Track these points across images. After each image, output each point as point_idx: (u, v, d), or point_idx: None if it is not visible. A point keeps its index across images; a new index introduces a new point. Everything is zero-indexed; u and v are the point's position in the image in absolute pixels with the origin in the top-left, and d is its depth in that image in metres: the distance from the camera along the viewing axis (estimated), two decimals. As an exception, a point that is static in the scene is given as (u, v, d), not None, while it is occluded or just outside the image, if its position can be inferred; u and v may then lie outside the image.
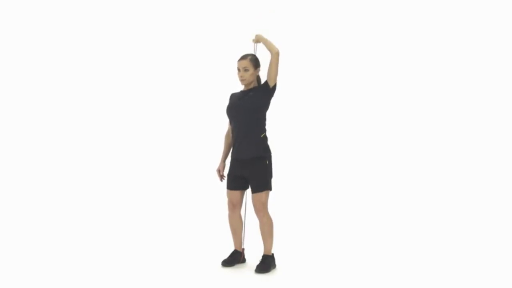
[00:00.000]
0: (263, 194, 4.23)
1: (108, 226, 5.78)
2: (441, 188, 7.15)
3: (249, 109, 4.24)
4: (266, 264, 4.27)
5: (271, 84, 4.25)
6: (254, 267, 4.28)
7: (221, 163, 4.50)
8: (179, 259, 4.58)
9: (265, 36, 4.33)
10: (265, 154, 4.25)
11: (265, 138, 4.28)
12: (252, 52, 4.42)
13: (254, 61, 4.30)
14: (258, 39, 4.36)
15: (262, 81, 4.39)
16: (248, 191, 4.39)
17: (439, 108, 7.61)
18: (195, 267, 4.36)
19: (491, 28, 7.51)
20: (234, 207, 4.38)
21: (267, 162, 4.26)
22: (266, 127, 4.31)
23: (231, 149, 4.41)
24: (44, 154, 7.58)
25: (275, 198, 5.15)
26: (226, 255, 4.56)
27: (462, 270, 4.33)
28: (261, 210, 4.24)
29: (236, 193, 4.35)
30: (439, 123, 7.59)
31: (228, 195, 4.38)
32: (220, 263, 4.41)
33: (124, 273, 4.18)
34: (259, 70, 4.35)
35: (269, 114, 4.33)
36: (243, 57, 4.31)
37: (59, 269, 4.26)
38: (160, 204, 6.77)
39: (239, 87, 4.49)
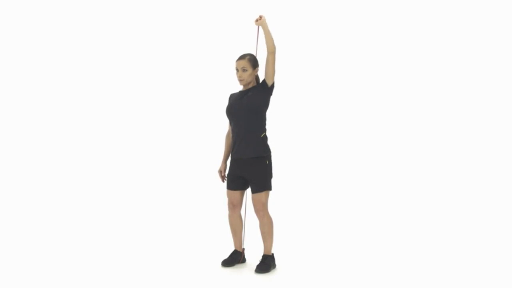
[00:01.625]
0: (263, 194, 4.23)
1: (108, 226, 5.78)
2: (440, 188, 7.15)
3: (248, 109, 4.22)
4: (266, 264, 4.27)
5: (269, 83, 4.22)
6: (254, 267, 4.28)
7: (222, 164, 4.49)
8: (179, 259, 4.58)
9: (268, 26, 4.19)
10: (265, 154, 4.25)
11: (265, 138, 4.27)
12: (255, 38, 4.36)
13: (253, 61, 4.26)
14: (262, 23, 4.16)
15: (261, 80, 4.37)
16: (248, 191, 4.40)
17: (437, 106, 7.61)
18: (195, 267, 4.37)
19: (491, 28, 7.51)
20: (234, 207, 4.38)
21: (267, 162, 4.26)
22: (266, 126, 4.31)
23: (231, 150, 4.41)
24: (45, 155, 7.58)
25: (275, 198, 5.16)
26: (226, 255, 4.57)
27: (462, 270, 4.33)
28: (261, 210, 4.24)
29: (236, 193, 4.35)
30: (438, 122, 7.59)
31: (228, 195, 4.38)
32: (220, 263, 4.41)
33: (124, 273, 4.19)
34: (258, 69, 4.32)
35: (269, 114, 4.33)
36: (241, 57, 4.28)
37: (60, 269, 4.27)
38: (160, 204, 6.77)
39: (238, 87, 4.50)
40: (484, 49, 7.54)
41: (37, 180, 7.31)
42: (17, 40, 7.67)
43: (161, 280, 4.03)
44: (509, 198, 6.83)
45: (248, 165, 4.25)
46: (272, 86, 4.25)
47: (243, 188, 4.36)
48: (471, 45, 7.57)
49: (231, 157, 4.37)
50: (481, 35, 7.54)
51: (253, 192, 4.25)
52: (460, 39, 7.58)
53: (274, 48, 4.16)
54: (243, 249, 4.52)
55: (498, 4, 7.47)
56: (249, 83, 4.29)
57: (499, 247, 5.02)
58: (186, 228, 5.72)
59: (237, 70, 4.28)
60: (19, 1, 7.66)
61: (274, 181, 4.39)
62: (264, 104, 4.25)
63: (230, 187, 4.37)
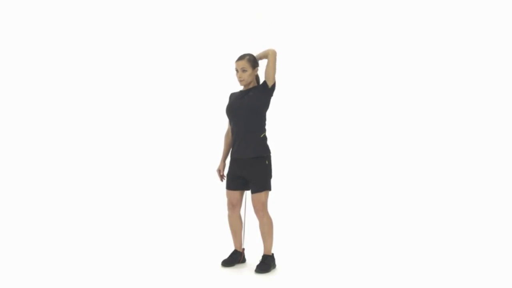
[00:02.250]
0: (262, 194, 4.23)
1: (108, 226, 5.79)
2: (440, 188, 7.16)
3: (249, 109, 4.24)
4: (266, 264, 4.27)
5: (269, 84, 4.25)
6: (254, 267, 4.28)
7: (221, 163, 4.50)
8: (179, 259, 4.58)
9: (256, 52, 4.38)
10: (264, 154, 4.25)
11: (265, 138, 4.28)
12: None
13: (252, 61, 4.30)
14: (263, 56, 4.37)
15: (262, 79, 4.39)
16: (248, 191, 4.40)
17: (437, 106, 7.62)
18: (195, 267, 4.37)
19: (491, 28, 7.52)
20: (234, 207, 4.38)
21: (267, 162, 4.26)
22: (266, 127, 4.31)
23: (231, 149, 4.42)
24: (45, 156, 7.58)
25: (275, 198, 5.16)
26: (226, 255, 4.57)
27: (462, 270, 4.33)
28: (261, 210, 4.24)
29: (236, 193, 4.35)
30: (438, 122, 7.59)
31: (228, 195, 4.38)
32: (220, 263, 4.41)
33: (124, 273, 4.19)
34: (258, 69, 4.35)
35: (269, 114, 4.33)
36: (241, 58, 4.31)
37: (60, 269, 4.27)
38: (160, 204, 6.78)
39: (238, 87, 4.50)
40: (483, 50, 7.55)
41: (38, 182, 7.31)
42: (17, 41, 7.68)
43: (161, 280, 4.04)
44: (509, 198, 6.84)
45: (248, 165, 4.25)
46: (273, 87, 4.27)
47: (243, 188, 4.36)
48: (470, 46, 7.57)
49: (231, 156, 4.37)
50: (480, 35, 7.54)
51: (252, 192, 4.25)
52: (459, 40, 7.59)
53: (273, 50, 4.23)
54: (243, 249, 4.52)
55: (497, 5, 7.48)
56: (249, 83, 4.32)
57: (499, 247, 5.02)
58: (186, 228, 5.73)
59: (236, 70, 4.30)
60: (19, 2, 7.68)
61: (274, 181, 4.39)
62: (264, 104, 4.26)
63: (229, 187, 4.37)
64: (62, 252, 4.74)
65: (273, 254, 4.39)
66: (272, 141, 4.42)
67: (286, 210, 6.32)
